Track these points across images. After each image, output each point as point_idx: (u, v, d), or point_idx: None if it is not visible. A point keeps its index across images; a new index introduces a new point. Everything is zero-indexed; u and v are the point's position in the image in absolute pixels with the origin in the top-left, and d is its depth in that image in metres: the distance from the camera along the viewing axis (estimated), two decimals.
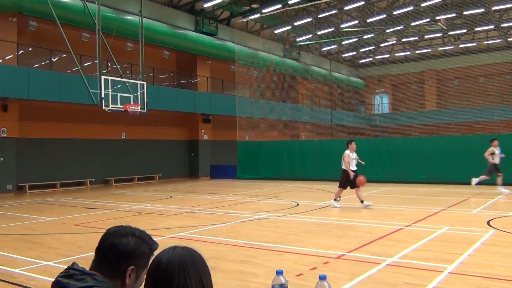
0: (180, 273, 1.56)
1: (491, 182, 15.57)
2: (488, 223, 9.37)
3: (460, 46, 37.57)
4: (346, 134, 35.78)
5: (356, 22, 30.90)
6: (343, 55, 40.77)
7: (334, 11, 29.26)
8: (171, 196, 16.41)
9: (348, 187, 12.60)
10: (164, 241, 7.86)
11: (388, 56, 41.26)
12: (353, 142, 12.79)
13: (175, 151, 26.37)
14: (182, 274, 1.56)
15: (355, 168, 12.50)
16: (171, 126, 26.22)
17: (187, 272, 1.57)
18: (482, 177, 15.36)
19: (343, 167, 12.55)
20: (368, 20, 30.60)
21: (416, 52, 39.99)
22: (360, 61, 43.55)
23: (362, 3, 27.68)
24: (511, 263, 6.18)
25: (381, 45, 38.17)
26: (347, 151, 12.57)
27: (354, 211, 11.93)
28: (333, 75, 38.75)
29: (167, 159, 25.66)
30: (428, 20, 30.34)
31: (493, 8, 28.74)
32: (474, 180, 15.69)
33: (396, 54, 40.91)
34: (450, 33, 34.31)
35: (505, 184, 15.41)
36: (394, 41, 36.57)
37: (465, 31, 34.07)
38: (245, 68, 28.46)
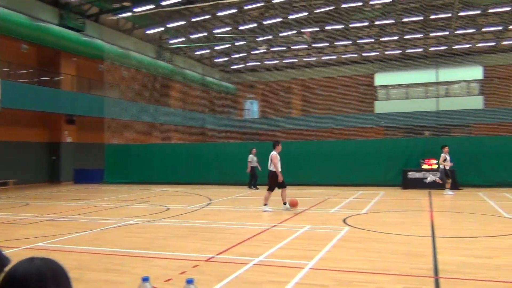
0: (38, 287, 1.44)
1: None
2: (343, 221, 10.27)
3: (322, 58, 40.70)
4: (218, 137, 36.39)
5: (229, 28, 31.64)
6: (216, 60, 41.40)
7: (208, 16, 29.58)
8: (27, 203, 15.00)
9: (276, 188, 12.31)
10: (18, 253, 7.16)
11: (258, 63, 42.92)
12: (280, 144, 12.41)
13: (34, 154, 24.14)
14: None
15: (280, 170, 12.15)
16: (29, 127, 23.95)
17: (46, 286, 1.45)
18: (438, 180, 16.70)
19: (271, 168, 12.12)
20: (240, 28, 31.55)
21: (284, 61, 42.24)
22: (232, 67, 44.63)
23: (235, 10, 28.44)
24: (364, 256, 6.83)
25: (252, 52, 39.58)
26: (274, 152, 12.16)
27: (222, 213, 12.14)
28: (205, 79, 39.11)
29: (23, 162, 23.35)
30: (295, 32, 32.37)
31: (351, 25, 31.72)
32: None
33: (266, 62, 42.71)
34: (313, 45, 36.97)
35: (359, 185, 16.95)
36: (264, 50, 38.25)
37: (326, 44, 37.00)
38: (114, 67, 27.30)
